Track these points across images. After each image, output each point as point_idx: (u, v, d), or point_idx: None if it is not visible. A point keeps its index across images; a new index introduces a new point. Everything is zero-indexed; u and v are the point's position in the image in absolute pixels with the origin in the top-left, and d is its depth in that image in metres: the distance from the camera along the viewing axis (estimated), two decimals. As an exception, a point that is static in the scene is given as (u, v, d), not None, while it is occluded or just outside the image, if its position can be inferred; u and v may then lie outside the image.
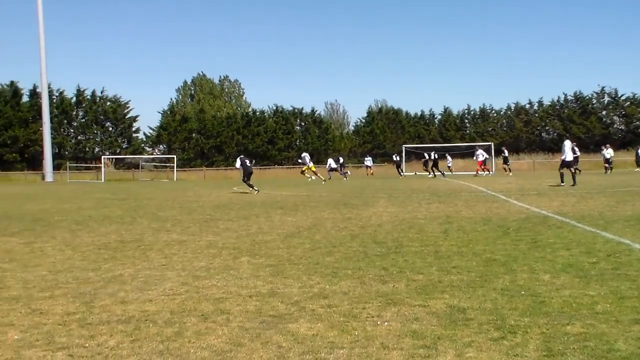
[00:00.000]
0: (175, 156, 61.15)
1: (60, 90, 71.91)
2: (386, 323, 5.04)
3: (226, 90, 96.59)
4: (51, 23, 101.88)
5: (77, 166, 64.30)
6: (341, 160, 50.87)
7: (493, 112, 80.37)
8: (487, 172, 44.15)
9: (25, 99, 70.77)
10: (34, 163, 65.81)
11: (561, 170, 23.98)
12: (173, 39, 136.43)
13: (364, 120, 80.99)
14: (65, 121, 71.81)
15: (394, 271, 7.23)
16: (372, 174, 53.17)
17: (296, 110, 77.77)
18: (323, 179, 38.24)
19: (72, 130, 73.01)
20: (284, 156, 73.13)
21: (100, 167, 59.23)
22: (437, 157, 43.59)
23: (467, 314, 5.24)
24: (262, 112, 77.45)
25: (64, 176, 59.18)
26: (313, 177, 39.26)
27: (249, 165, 28.13)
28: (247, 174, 26.97)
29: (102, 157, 62.95)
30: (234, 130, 72.32)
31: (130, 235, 11.28)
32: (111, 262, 8.39)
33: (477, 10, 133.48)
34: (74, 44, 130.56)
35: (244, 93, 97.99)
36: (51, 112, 63.62)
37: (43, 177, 59.30)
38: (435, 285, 6.42)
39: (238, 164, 27.59)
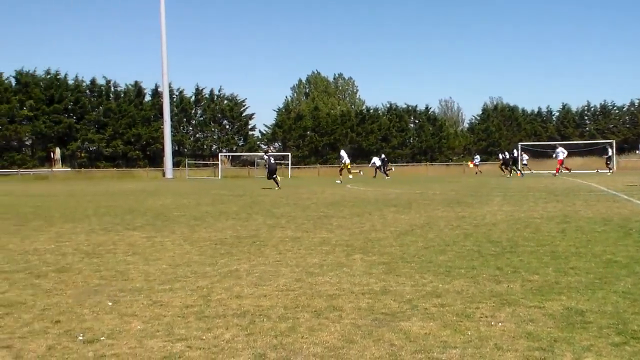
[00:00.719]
0: (289, 153, 61.93)
1: (180, 90, 74.10)
2: (500, 324, 4.95)
3: (340, 88, 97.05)
4: (172, 24, 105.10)
5: (195, 163, 66.13)
6: (384, 157, 50.24)
7: (615, 108, 77.43)
8: (567, 171, 42.77)
9: (147, 98, 73.37)
10: (155, 160, 68.14)
11: None
12: (289, 38, 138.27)
13: (478, 118, 79.69)
14: (185, 119, 73.93)
15: (508, 271, 7.09)
16: (480, 172, 52.38)
17: (410, 107, 77.24)
18: (339, 180, 37.80)
19: (191, 128, 75.07)
20: (397, 154, 72.77)
21: (217, 164, 60.72)
22: (517, 155, 42.68)
23: (585, 317, 5.07)
24: (376, 109, 77.36)
25: (183, 173, 60.95)
26: (350, 176, 38.95)
27: (274, 162, 30.34)
28: (271, 171, 29.23)
29: (219, 154, 64.48)
30: (348, 128, 72.51)
31: (245, 231, 11.51)
32: (227, 257, 8.58)
33: (594, 6, 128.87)
34: (193, 45, 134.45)
35: (357, 90, 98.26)
36: (171, 111, 65.68)
37: (164, 174, 61.30)
38: (551, 286, 6.25)
39: (266, 159, 30.79)
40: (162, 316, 5.38)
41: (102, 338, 4.73)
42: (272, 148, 75.70)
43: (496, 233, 10.50)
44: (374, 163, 49.73)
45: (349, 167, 39.91)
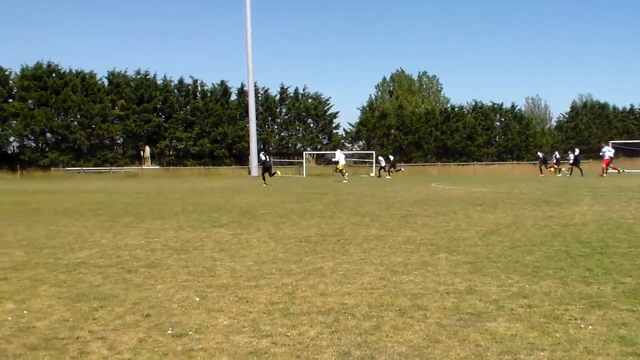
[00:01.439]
0: (374, 152, 61.81)
1: (265, 89, 74.84)
2: (590, 327, 4.83)
3: (424, 86, 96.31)
4: (257, 24, 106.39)
5: (280, 161, 66.75)
6: (391, 158, 50.73)
7: None
8: (618, 170, 41.17)
9: (233, 97, 74.48)
10: (241, 158, 69.08)
11: None
12: (373, 37, 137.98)
13: (567, 115, 77.77)
14: (270, 118, 74.68)
15: (599, 272, 6.91)
16: (561, 171, 51.28)
17: (496, 105, 75.92)
18: (346, 179, 37.82)
19: (275, 127, 75.76)
20: (483, 152, 71.71)
21: (302, 162, 61.13)
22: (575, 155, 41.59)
23: (681, 322, 4.91)
24: (461, 107, 76.31)
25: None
26: (345, 176, 39.12)
27: (269, 161, 34.55)
28: (267, 168, 32.75)
29: (304, 152, 64.92)
30: (433, 126, 71.83)
31: (330, 229, 11.56)
32: (312, 255, 8.64)
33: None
34: (278, 44, 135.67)
35: (442, 89, 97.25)
36: (257, 110, 66.42)
37: (249, 172, 62.06)
38: (645, 289, 6.07)
39: (263, 158, 34.25)
40: (248, 312, 5.46)
41: (190, 332, 4.84)
42: (356, 147, 75.81)
43: (585, 233, 10.24)
44: (380, 163, 50.20)
45: (341, 167, 40.32)
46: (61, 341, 4.64)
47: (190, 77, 76.11)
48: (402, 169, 52.15)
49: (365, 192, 24.68)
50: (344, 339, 4.64)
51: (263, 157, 35.38)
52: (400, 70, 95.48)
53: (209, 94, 73.27)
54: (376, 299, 5.89)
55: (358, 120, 75.56)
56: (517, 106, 77.82)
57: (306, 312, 5.44)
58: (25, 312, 5.53)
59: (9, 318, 5.31)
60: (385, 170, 48.39)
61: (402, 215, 14.05)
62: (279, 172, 37.29)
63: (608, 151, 40.54)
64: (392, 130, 73.08)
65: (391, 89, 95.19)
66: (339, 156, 40.73)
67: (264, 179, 32.78)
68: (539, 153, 50.74)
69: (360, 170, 61.24)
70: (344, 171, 40.08)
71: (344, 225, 12.20)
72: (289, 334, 4.81)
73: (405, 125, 72.46)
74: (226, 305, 5.74)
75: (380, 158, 51.09)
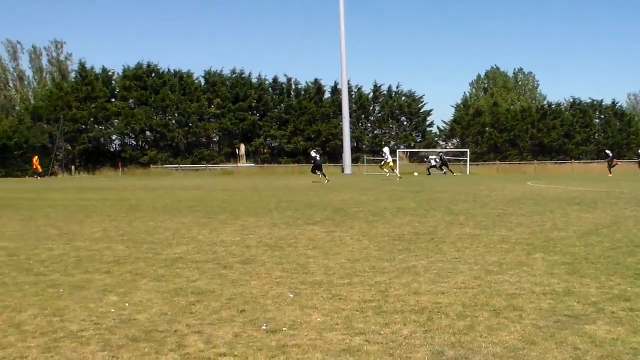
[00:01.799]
0: (468, 150, 61.02)
1: (359, 86, 74.93)
2: (697, 332, 4.64)
3: (520, 83, 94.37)
4: (351, 22, 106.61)
5: (373, 159, 66.67)
6: (441, 155, 50.81)
7: None
8: None
9: (327, 95, 74.85)
10: (334, 156, 69.34)
11: None
12: (467, 34, 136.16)
13: (672, 112, 74.78)
14: (363, 116, 74.68)
15: None
16: None
17: (595, 102, 73.69)
18: (399, 175, 37.86)
19: (369, 125, 75.74)
20: (581, 150, 69.67)
21: (395, 160, 60.89)
22: None
23: None
24: (558, 104, 74.38)
25: (361, 169, 61.61)
26: (389, 173, 39.08)
27: (319, 159, 36.30)
28: (317, 166, 34.53)
29: (397, 150, 64.66)
30: (529, 124, 70.27)
31: (423, 228, 11.48)
32: (405, 253, 8.61)
33: None
34: (372, 42, 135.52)
35: (538, 85, 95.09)
36: (350, 107, 66.52)
37: (342, 170, 62.22)
38: None
39: (313, 154, 36.44)
40: (341, 310, 5.49)
41: (284, 328, 4.90)
42: (449, 144, 74.98)
43: (691, 235, 9.84)
44: (430, 161, 49.61)
45: (391, 164, 40.62)
46: (160, 334, 4.78)
47: (284, 75, 77.01)
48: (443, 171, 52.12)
49: (459, 190, 24.39)
50: (437, 338, 4.61)
51: (314, 154, 37.26)
52: (495, 67, 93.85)
53: (302, 92, 73.84)
54: (470, 299, 5.82)
55: (452, 118, 74.65)
56: (618, 103, 75.31)
57: (399, 311, 5.42)
58: (126, 304, 5.71)
59: (112, 310, 5.50)
60: (437, 168, 48.44)
61: (497, 214, 13.82)
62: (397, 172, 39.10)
63: None
64: (487, 128, 71.91)
65: (486, 86, 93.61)
66: (388, 153, 41.40)
67: (315, 174, 35.44)
68: (606, 151, 49.21)
69: (454, 168, 60.52)
70: (393, 167, 41.02)
71: (438, 224, 12.10)
72: (382, 332, 4.80)
73: (500, 122, 71.15)
74: (319, 302, 5.79)
75: (431, 157, 51.02)
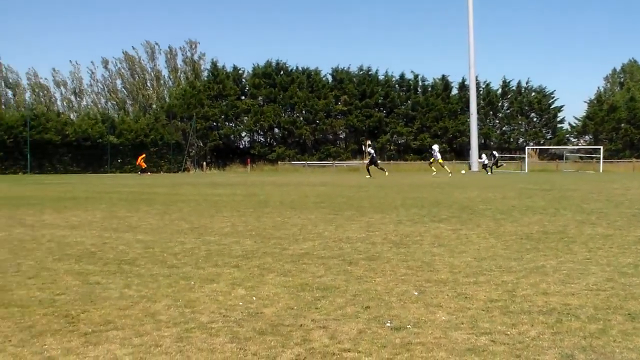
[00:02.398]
0: (601, 147, 58.79)
1: (487, 82, 73.74)
2: None
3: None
4: (479, 17, 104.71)
5: (501, 156, 65.40)
6: (496, 155, 50.78)
7: None
8: None
9: (454, 91, 74.04)
10: (462, 153, 68.52)
11: None
12: (601, 26, 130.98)
13: None
14: (491, 112, 73.41)
15: None
16: None
17: None
18: (449, 171, 38.09)
19: (497, 121, 74.38)
20: None
21: (523, 158, 59.51)
22: None
23: None
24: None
25: (491, 166, 60.59)
26: (445, 171, 38.69)
27: (375, 156, 39.27)
28: (372, 162, 37.31)
29: (526, 147, 63.12)
30: (669, 119, 67.01)
31: (553, 227, 11.16)
32: (533, 252, 8.40)
33: None
34: (501, 36, 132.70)
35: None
36: (478, 104, 65.55)
37: (469, 167, 61.43)
38: None
39: (370, 151, 39.70)
40: (466, 309, 5.42)
41: (408, 326, 4.89)
42: (582, 141, 72.48)
43: None
44: (482, 159, 48.04)
45: (440, 161, 40.86)
46: (286, 328, 4.87)
47: (411, 72, 76.82)
48: (504, 164, 50.74)
49: (591, 188, 23.56)
50: (567, 341, 4.47)
51: (371, 150, 40.28)
52: (632, 60, 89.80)
53: (429, 89, 73.32)
54: (602, 301, 5.61)
55: (584, 114, 72.12)
56: None
57: (527, 311, 5.30)
58: (254, 298, 5.85)
59: (240, 303, 5.65)
60: (488, 167, 47.71)
61: (632, 214, 13.26)
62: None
63: None
64: (622, 124, 69.00)
65: (622, 80, 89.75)
66: (437, 151, 42.95)
67: (380, 169, 38.13)
68: None
69: (586, 166, 58.47)
70: (442, 164, 41.61)
71: (568, 223, 11.73)
72: (509, 332, 4.71)
73: (637, 118, 68.09)
74: (444, 300, 5.74)
75: (483, 155, 50.03)
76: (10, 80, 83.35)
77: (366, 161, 40.79)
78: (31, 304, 5.67)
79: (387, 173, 34.61)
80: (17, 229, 11.47)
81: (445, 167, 43.53)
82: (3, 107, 76.00)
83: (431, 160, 43.41)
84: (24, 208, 15.89)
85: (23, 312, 5.38)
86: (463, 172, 48.56)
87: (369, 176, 36.48)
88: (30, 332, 4.76)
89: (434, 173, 41.27)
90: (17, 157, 56.00)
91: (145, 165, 57.85)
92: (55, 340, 4.55)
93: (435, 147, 44.19)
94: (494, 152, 53.11)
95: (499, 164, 49.54)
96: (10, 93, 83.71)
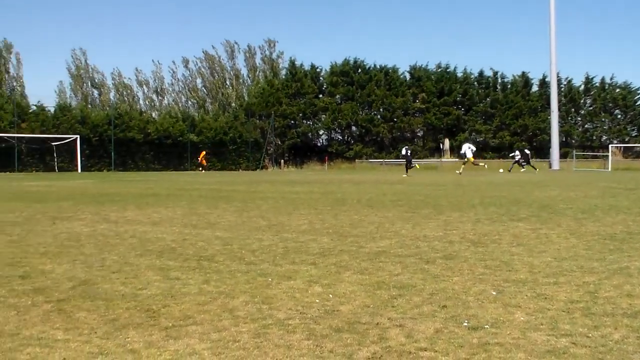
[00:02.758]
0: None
1: (569, 79, 72.10)
2: None
3: None
4: (561, 12, 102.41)
5: (583, 154, 63.85)
6: (527, 152, 49.90)
7: None
8: None
9: (534, 88, 72.69)
10: (542, 151, 67.20)
11: None
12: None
13: None
14: (573, 109, 71.76)
15: None
16: None
17: None
18: (459, 171, 39.33)
19: (579, 119, 72.68)
20: None
21: (607, 156, 58.00)
22: None
23: None
24: None
25: (570, 164, 59.27)
26: (459, 171, 40.56)
27: (410, 156, 41.28)
28: (408, 161, 38.92)
29: (610, 145, 61.48)
30: None
31: (638, 227, 10.83)
32: (617, 253, 8.18)
33: None
34: (583, 31, 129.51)
35: None
36: (559, 101, 64.19)
37: (550, 165, 60.25)
38: None
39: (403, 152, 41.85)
40: (546, 309, 5.32)
41: (485, 326, 4.83)
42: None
43: None
44: (514, 156, 49.46)
45: (472, 160, 41.90)
46: (362, 325, 4.87)
47: (490, 69, 75.76)
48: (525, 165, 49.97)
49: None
50: (651, 345, 4.35)
51: (404, 152, 42.26)
52: None
53: (509, 86, 72.20)
54: (689, 305, 5.43)
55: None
56: None
57: (610, 313, 5.17)
58: (330, 295, 5.88)
59: (317, 301, 5.68)
60: (519, 165, 47.17)
61: None
62: (417, 165, 43.30)
63: None
64: None
65: None
66: (466, 149, 42.96)
67: (407, 170, 39.18)
68: None
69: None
70: (475, 163, 43.26)
71: (655, 223, 11.38)
72: (590, 334, 4.60)
73: None
74: (523, 300, 5.65)
75: (517, 152, 49.21)
76: (97, 80, 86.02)
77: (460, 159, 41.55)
78: (115, 297, 5.84)
79: (404, 175, 36.00)
80: (101, 224, 11.81)
81: (480, 163, 44.28)
82: (89, 106, 78.33)
83: (465, 160, 43.36)
84: (108, 204, 16.34)
85: (107, 305, 5.54)
86: (501, 170, 47.96)
87: (405, 174, 38.15)
88: (114, 325, 4.90)
89: (460, 171, 41.43)
90: (102, 155, 57.76)
91: (206, 163, 58.64)
92: (137, 334, 4.68)
93: (465, 145, 44.24)
94: (526, 150, 52.14)
95: (522, 163, 48.36)
96: (96, 93, 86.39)
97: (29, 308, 5.47)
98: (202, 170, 56.70)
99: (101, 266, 7.44)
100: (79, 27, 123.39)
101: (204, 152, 59.40)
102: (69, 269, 7.29)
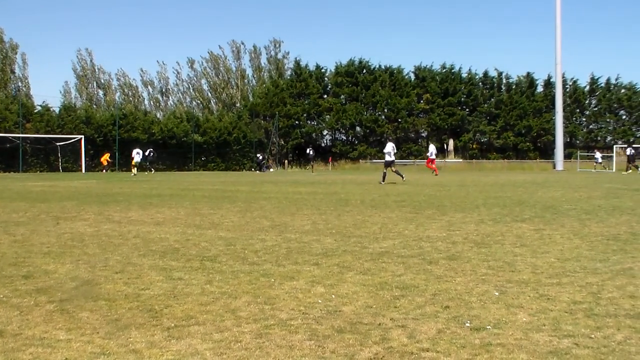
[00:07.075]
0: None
1: (574, 80, 71.95)
2: None
3: None
4: (567, 12, 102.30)
5: (587, 155, 63.73)
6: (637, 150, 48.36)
7: None
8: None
9: (539, 89, 72.61)
10: (546, 152, 67.15)
11: None
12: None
13: None
14: (578, 110, 71.66)
15: None
16: None
17: None
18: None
19: (583, 119, 72.57)
20: None
21: (611, 157, 57.88)
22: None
23: None
24: None
25: (574, 165, 59.20)
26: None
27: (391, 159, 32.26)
28: (387, 164, 30.37)
29: (614, 146, 61.36)
30: None
31: (641, 228, 10.84)
32: (620, 254, 8.17)
33: None
34: (588, 32, 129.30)
35: None
36: (564, 102, 64.11)
37: (554, 166, 60.17)
38: None
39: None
40: (548, 310, 5.32)
41: (488, 327, 4.83)
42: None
43: None
44: (597, 159, 51.10)
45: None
46: (365, 326, 4.87)
47: (495, 69, 75.73)
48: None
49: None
50: (651, 347, 4.34)
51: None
52: None
53: (513, 87, 72.16)
54: (693, 306, 5.42)
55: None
56: None
57: (612, 314, 5.17)
58: (333, 296, 5.88)
59: (319, 301, 5.68)
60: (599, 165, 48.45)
61: None
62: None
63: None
64: None
65: None
66: (432, 150, 43.44)
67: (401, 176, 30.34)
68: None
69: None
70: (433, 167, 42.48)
71: (659, 224, 11.36)
72: (593, 335, 4.60)
73: None
74: (526, 301, 5.64)
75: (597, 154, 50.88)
76: (102, 81, 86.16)
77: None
78: (117, 297, 5.85)
79: (382, 182, 30.35)
80: (105, 224, 11.83)
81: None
82: (94, 106, 78.31)
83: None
84: (112, 204, 16.37)
85: (110, 305, 5.55)
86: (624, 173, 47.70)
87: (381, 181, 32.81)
88: (116, 325, 4.91)
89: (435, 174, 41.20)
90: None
91: (106, 164, 55.65)
92: (139, 334, 4.68)
93: (432, 147, 44.46)
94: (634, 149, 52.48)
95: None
96: (101, 93, 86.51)
97: (31, 308, 5.48)
98: (104, 171, 54.23)
99: (104, 266, 7.46)
100: (84, 28, 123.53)
101: (108, 154, 56.30)
102: (72, 269, 7.31)
